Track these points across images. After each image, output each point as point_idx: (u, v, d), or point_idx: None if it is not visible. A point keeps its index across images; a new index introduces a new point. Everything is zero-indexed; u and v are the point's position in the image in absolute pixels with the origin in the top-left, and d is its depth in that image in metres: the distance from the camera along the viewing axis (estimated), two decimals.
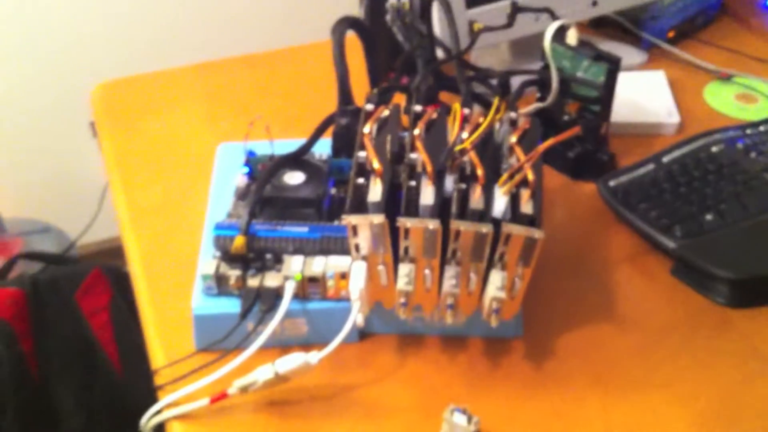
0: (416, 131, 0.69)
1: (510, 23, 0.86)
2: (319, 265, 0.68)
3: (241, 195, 0.76)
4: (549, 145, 0.65)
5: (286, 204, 0.73)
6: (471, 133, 0.68)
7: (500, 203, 0.65)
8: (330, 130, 0.79)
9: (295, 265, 0.68)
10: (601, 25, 1.12)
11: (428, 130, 0.71)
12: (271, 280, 0.68)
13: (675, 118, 0.95)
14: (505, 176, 0.66)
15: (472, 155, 0.66)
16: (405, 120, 0.73)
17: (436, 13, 0.91)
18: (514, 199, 0.66)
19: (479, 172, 0.66)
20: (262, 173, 0.72)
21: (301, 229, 0.70)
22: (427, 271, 0.65)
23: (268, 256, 0.70)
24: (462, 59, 0.82)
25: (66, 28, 1.58)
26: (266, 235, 0.69)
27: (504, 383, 0.68)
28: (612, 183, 0.84)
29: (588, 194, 0.86)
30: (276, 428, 0.65)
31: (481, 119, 0.71)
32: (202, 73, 1.07)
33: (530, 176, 0.66)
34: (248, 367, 0.65)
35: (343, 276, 0.67)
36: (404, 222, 0.62)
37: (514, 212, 0.64)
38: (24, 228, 1.63)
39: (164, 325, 0.73)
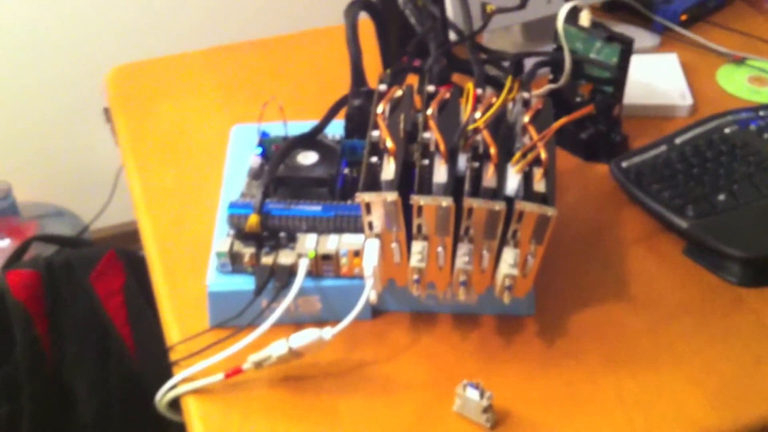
0: (429, 111, 0.69)
1: (523, 5, 0.86)
2: (332, 242, 0.69)
3: (255, 175, 0.77)
4: (562, 124, 0.66)
5: (300, 183, 0.73)
6: (484, 113, 0.68)
7: (513, 181, 0.65)
8: (343, 111, 0.80)
9: (308, 243, 0.69)
10: (613, 8, 1.12)
11: (441, 110, 0.71)
12: (285, 257, 0.68)
13: (688, 101, 0.95)
14: (518, 155, 0.66)
15: (485, 134, 0.66)
16: (418, 100, 0.74)
17: None
18: (527, 178, 0.66)
19: (492, 150, 0.66)
20: (276, 153, 0.73)
21: (315, 208, 0.70)
22: (440, 249, 0.65)
23: (282, 234, 0.70)
24: (474, 41, 0.82)
25: (79, 13, 1.59)
26: (280, 214, 0.70)
27: (516, 360, 0.69)
28: (624, 164, 0.84)
29: (600, 175, 0.87)
30: (290, 403, 0.66)
31: (493, 99, 0.71)
32: (216, 58, 1.07)
33: (543, 155, 0.66)
34: (262, 343, 0.65)
35: (357, 254, 0.68)
36: (417, 199, 0.63)
37: (527, 190, 0.65)
38: (38, 212, 1.64)
39: (179, 303, 0.74)
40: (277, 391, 0.66)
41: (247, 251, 0.68)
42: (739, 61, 1.03)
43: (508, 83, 0.68)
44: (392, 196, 0.63)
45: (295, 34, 1.12)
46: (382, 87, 0.73)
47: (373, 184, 0.66)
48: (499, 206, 0.63)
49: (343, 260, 0.68)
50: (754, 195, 0.78)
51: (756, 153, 0.82)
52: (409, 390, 0.66)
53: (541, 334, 0.71)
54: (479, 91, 0.71)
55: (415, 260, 0.64)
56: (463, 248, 0.65)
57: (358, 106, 0.79)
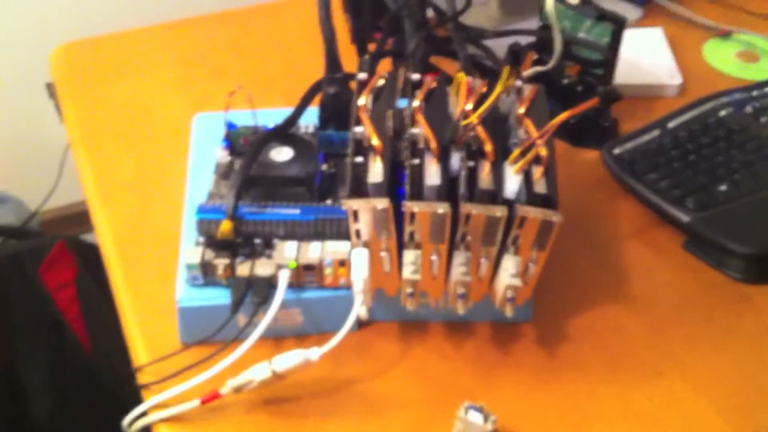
0: (416, 102, 0.63)
1: None
2: (315, 251, 0.63)
3: (223, 173, 0.70)
4: (564, 119, 0.60)
5: (274, 183, 0.67)
6: (475, 105, 0.62)
7: (513, 183, 0.60)
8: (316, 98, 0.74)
9: (288, 251, 0.63)
10: None
11: (427, 100, 0.65)
12: (263, 268, 0.62)
13: (677, 80, 0.90)
14: (516, 152, 0.61)
15: (479, 130, 0.61)
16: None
17: None
18: (526, 177, 0.61)
19: (488, 148, 0.60)
20: (248, 150, 0.66)
21: (293, 211, 0.64)
22: (434, 257, 0.59)
23: (257, 240, 0.64)
24: (458, 21, 0.75)
25: None
26: (254, 218, 0.64)
27: (515, 372, 0.64)
28: (616, 151, 0.79)
29: (590, 162, 0.82)
30: (273, 429, 0.60)
31: (484, 89, 0.65)
32: (173, 33, 0.99)
33: (543, 152, 0.60)
34: (240, 362, 0.59)
35: (342, 263, 0.62)
36: (411, 206, 0.57)
37: (528, 192, 0.59)
38: None
39: (145, 315, 0.67)
40: (259, 415, 0.60)
41: (221, 262, 0.62)
42: (726, 34, 0.98)
43: (504, 74, 0.62)
44: (383, 203, 0.57)
45: (259, 5, 1.04)
46: (362, 75, 0.67)
47: (360, 187, 0.60)
48: (500, 212, 0.57)
49: (327, 270, 0.62)
50: (756, 185, 0.74)
51: (754, 138, 0.78)
52: (403, 409, 0.61)
53: (539, 342, 0.66)
54: (469, 79, 0.65)
55: (408, 272, 0.59)
56: (459, 257, 0.60)
57: (333, 93, 0.72)
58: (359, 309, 0.59)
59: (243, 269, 0.62)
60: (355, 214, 0.58)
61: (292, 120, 0.70)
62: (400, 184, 0.61)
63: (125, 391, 0.65)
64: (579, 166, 0.82)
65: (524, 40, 0.86)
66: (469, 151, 0.61)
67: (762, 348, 0.66)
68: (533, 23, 0.85)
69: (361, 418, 0.61)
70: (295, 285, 0.63)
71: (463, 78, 0.63)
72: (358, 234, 0.59)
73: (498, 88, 0.61)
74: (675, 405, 0.62)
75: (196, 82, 0.91)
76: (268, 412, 0.60)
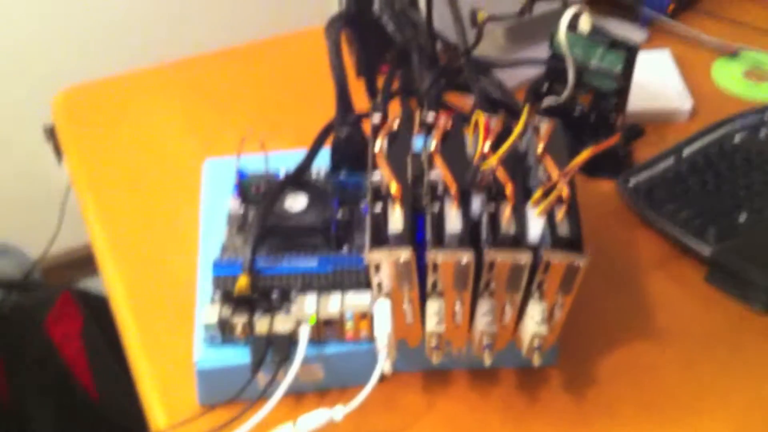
0: (433, 145, 0.62)
1: (525, 11, 0.78)
2: (334, 304, 0.61)
3: (236, 224, 0.68)
4: (587, 158, 0.59)
5: (290, 233, 0.65)
6: (493, 144, 0.61)
7: (536, 227, 0.58)
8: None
9: (308, 306, 0.61)
10: (594, 0, 1.05)
11: (443, 141, 0.64)
12: (282, 324, 0.60)
13: (688, 104, 0.88)
14: (538, 194, 0.59)
15: (499, 172, 0.59)
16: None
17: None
18: (549, 218, 0.59)
19: (509, 190, 0.59)
20: (263, 201, 0.65)
21: (310, 264, 0.62)
22: (457, 307, 0.58)
23: (275, 294, 0.62)
24: (471, 56, 0.74)
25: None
26: (271, 272, 0.62)
27: (544, 419, 0.62)
28: (632, 182, 0.78)
29: (606, 194, 0.80)
30: None
31: (500, 127, 0.64)
32: (177, 73, 0.97)
33: (565, 192, 0.59)
34: (261, 423, 0.58)
35: (363, 316, 0.60)
36: (434, 256, 0.55)
37: (552, 235, 0.58)
38: None
39: (161, 376, 0.65)
40: None
41: (239, 321, 0.60)
42: (734, 54, 0.97)
43: (524, 114, 0.60)
44: (406, 254, 0.55)
45: (264, 40, 1.02)
46: (376, 118, 0.66)
47: (380, 237, 0.58)
48: (525, 259, 0.56)
49: (349, 324, 0.61)
50: None
51: None
52: None
53: (567, 386, 0.64)
54: (485, 116, 0.64)
55: (432, 324, 0.57)
56: (483, 305, 0.58)
57: (345, 137, 0.71)
58: (383, 364, 0.58)
59: (262, 326, 0.61)
60: (377, 266, 0.56)
61: (305, 166, 0.69)
62: (419, 230, 0.59)
63: None
64: (594, 197, 0.80)
65: (532, 71, 0.85)
66: (489, 194, 0.60)
67: None
68: (540, 51, 0.84)
69: None
70: (315, 339, 0.61)
71: (480, 117, 0.62)
72: (380, 287, 0.58)
73: (518, 129, 0.60)
74: None
75: (203, 123, 0.90)
76: None
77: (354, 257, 0.63)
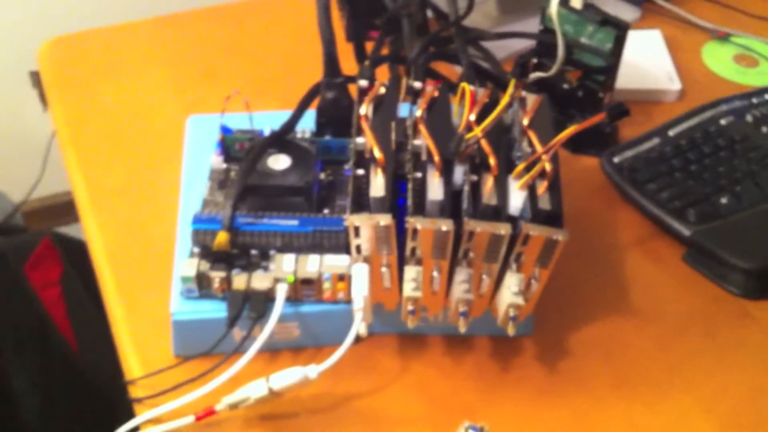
0: (418, 113, 0.62)
1: None
2: (313, 264, 0.61)
3: (218, 179, 0.68)
4: (570, 134, 0.59)
5: (272, 192, 0.65)
6: (479, 116, 0.61)
7: (517, 199, 0.58)
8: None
9: (286, 264, 0.61)
10: None
11: (429, 109, 0.64)
12: (260, 281, 0.61)
13: (676, 85, 0.89)
14: (520, 167, 0.59)
15: (484, 143, 0.59)
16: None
17: None
18: (530, 192, 0.59)
19: (492, 161, 0.59)
20: (245, 158, 0.65)
21: (291, 222, 0.63)
22: (435, 273, 0.58)
23: (254, 251, 0.62)
24: (461, 26, 0.74)
25: None
26: (251, 229, 0.62)
27: (516, 388, 0.63)
28: (616, 159, 0.78)
29: (590, 169, 0.80)
30: None
31: (487, 99, 0.64)
32: (166, 28, 0.96)
33: (548, 167, 0.59)
34: (235, 377, 0.58)
35: (341, 278, 0.61)
36: (413, 223, 0.56)
37: (533, 208, 0.58)
38: None
39: (137, 327, 0.65)
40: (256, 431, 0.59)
41: (217, 275, 0.61)
42: (724, 37, 0.97)
43: (510, 87, 0.60)
44: (385, 219, 0.56)
45: (251, 0, 1.02)
46: (363, 83, 0.66)
47: (361, 201, 0.58)
48: (504, 230, 0.56)
49: (326, 285, 0.61)
50: (759, 197, 0.73)
51: (756, 148, 0.77)
52: (403, 426, 0.60)
53: (541, 357, 0.65)
54: (472, 88, 0.64)
55: (409, 289, 0.58)
56: (461, 274, 0.58)
57: (331, 98, 0.71)
58: (359, 326, 0.58)
59: (239, 282, 0.61)
60: (356, 230, 0.57)
61: (290, 126, 0.69)
62: (400, 195, 0.59)
63: (114, 389, 0.63)
64: (578, 173, 0.81)
65: (522, 43, 0.85)
66: (472, 164, 0.60)
67: (766, 364, 0.65)
68: (532, 23, 0.84)
69: None
70: (292, 298, 0.62)
71: (467, 88, 0.62)
72: (358, 249, 0.58)
73: (503, 102, 0.60)
74: (681, 421, 0.61)
75: (189, 81, 0.89)
76: (265, 429, 0.59)
77: (335, 219, 0.63)
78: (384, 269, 0.59)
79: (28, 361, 1.06)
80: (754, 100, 0.83)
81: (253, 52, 0.94)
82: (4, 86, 1.52)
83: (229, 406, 0.58)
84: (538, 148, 0.60)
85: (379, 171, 0.59)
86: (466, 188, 0.59)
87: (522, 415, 0.61)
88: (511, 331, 0.59)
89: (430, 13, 0.86)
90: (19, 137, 1.54)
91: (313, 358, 0.61)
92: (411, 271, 0.58)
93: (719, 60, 0.95)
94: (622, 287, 0.70)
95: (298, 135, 0.71)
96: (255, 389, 0.57)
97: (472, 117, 0.61)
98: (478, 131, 0.59)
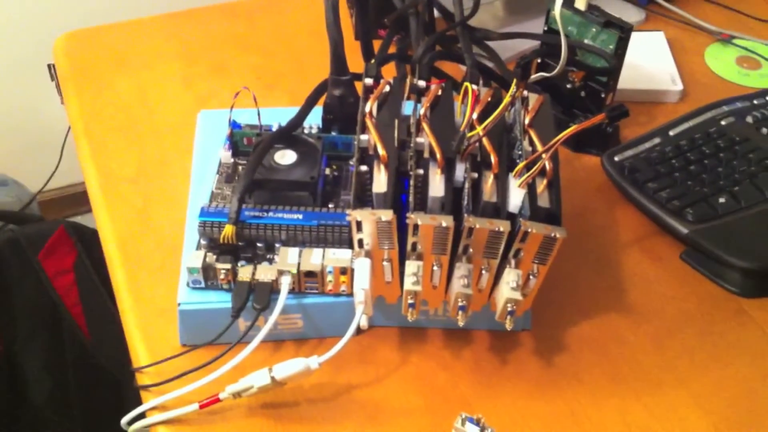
0: (421, 111, 0.63)
1: None
2: (317, 258, 0.63)
3: (226, 173, 0.70)
4: (570, 134, 0.60)
5: (278, 187, 0.67)
6: (481, 115, 0.62)
7: (517, 197, 0.60)
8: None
9: (290, 257, 0.63)
10: None
11: (433, 107, 0.65)
12: (264, 273, 0.62)
13: (678, 86, 0.90)
14: (521, 166, 0.61)
15: (485, 142, 0.61)
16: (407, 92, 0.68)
17: None
18: (530, 190, 0.61)
19: (493, 159, 0.60)
20: (252, 153, 0.66)
21: (295, 216, 0.64)
22: (435, 268, 0.60)
23: (259, 244, 0.64)
24: (466, 27, 0.75)
25: None
26: (256, 222, 0.64)
27: (513, 381, 0.64)
28: (617, 158, 0.79)
29: (591, 168, 0.82)
30: None
31: (489, 98, 0.66)
32: (178, 24, 0.98)
33: (547, 165, 0.61)
34: (240, 366, 0.60)
35: (343, 271, 0.62)
36: (414, 218, 0.57)
37: (532, 206, 0.59)
38: None
39: (145, 316, 0.67)
40: (258, 419, 0.61)
41: (223, 267, 0.62)
42: (727, 39, 0.98)
43: (512, 87, 0.62)
44: (387, 214, 0.57)
45: None
46: (369, 81, 0.67)
47: (364, 196, 0.60)
48: (503, 227, 0.58)
49: (329, 277, 0.63)
50: (757, 197, 0.74)
51: (756, 150, 0.78)
52: (401, 417, 0.62)
53: (538, 351, 0.66)
54: (474, 87, 0.65)
55: (410, 283, 0.59)
56: (461, 269, 0.60)
57: (338, 95, 0.72)
58: (360, 318, 0.60)
59: (244, 274, 0.63)
60: (359, 224, 0.58)
61: (297, 122, 0.70)
62: (403, 192, 0.61)
63: (123, 375, 0.65)
64: (580, 171, 0.82)
65: (528, 43, 0.86)
66: (473, 162, 0.62)
67: (760, 362, 0.66)
68: (538, 24, 0.85)
69: (359, 425, 0.61)
70: (296, 291, 0.63)
71: (469, 87, 0.63)
72: (360, 243, 0.59)
73: (505, 101, 0.61)
74: (674, 417, 0.62)
75: (200, 76, 0.91)
76: (267, 417, 0.61)
77: (339, 214, 0.65)
78: (385, 263, 0.60)
79: (40, 347, 1.08)
80: (756, 102, 0.84)
81: (263, 48, 0.95)
82: (23, 79, 1.54)
83: (233, 395, 0.59)
84: (539, 147, 0.61)
85: (383, 167, 0.60)
86: (467, 185, 0.60)
87: (518, 407, 0.63)
88: (509, 325, 0.60)
89: (437, 13, 0.87)
90: (38, 129, 1.57)
91: (315, 349, 0.63)
92: (412, 266, 0.59)
93: (722, 62, 0.96)
94: (620, 284, 0.72)
95: (305, 131, 0.73)
96: (258, 378, 0.59)
97: (475, 116, 0.62)
98: (479, 130, 0.60)
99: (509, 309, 0.60)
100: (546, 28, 0.82)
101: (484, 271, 0.60)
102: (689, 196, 0.74)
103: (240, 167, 0.70)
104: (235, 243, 0.63)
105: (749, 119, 0.82)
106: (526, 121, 0.64)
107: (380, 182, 0.59)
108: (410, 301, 0.60)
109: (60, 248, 1.10)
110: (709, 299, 0.71)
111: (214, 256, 0.63)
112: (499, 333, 0.67)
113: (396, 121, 0.63)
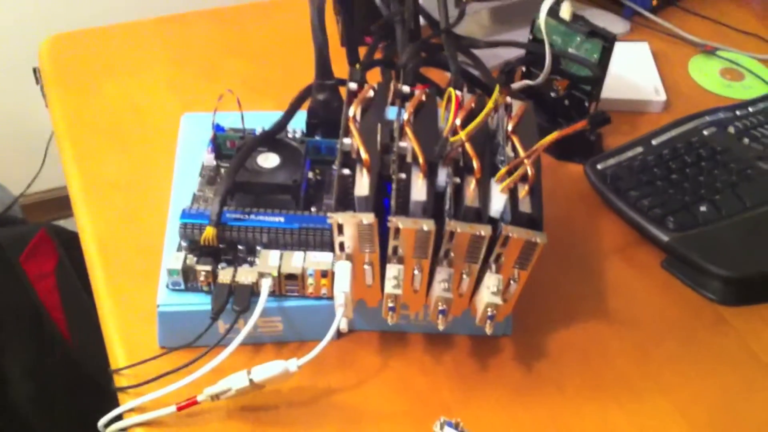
0: (405, 116, 0.63)
1: None
2: (297, 260, 0.63)
3: (208, 176, 0.70)
4: (552, 141, 0.60)
5: (260, 190, 0.67)
6: (465, 120, 0.62)
7: (498, 202, 0.60)
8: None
9: (271, 259, 0.63)
10: None
11: (417, 113, 0.65)
12: (245, 275, 0.62)
13: (662, 96, 0.91)
14: (503, 171, 0.61)
15: (468, 147, 0.61)
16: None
17: None
18: (512, 195, 0.61)
19: (475, 164, 0.61)
20: (235, 156, 0.66)
21: (277, 219, 0.64)
22: (416, 272, 0.60)
23: (240, 247, 0.64)
24: (451, 33, 0.76)
25: None
26: (238, 225, 0.64)
27: (494, 387, 0.64)
28: (600, 166, 0.80)
29: (574, 176, 0.82)
30: None
31: (473, 104, 0.66)
32: (165, 29, 0.98)
33: (529, 171, 0.61)
34: (218, 368, 0.60)
35: (324, 274, 0.62)
36: (396, 222, 0.57)
37: (513, 211, 0.60)
38: None
39: (124, 318, 0.67)
40: (236, 423, 0.60)
41: (203, 269, 0.62)
42: (711, 51, 0.99)
43: (495, 94, 0.62)
44: (368, 218, 0.57)
45: (253, 3, 1.03)
46: (353, 85, 0.67)
47: (346, 199, 0.60)
48: (484, 231, 0.58)
49: (310, 280, 0.62)
50: (737, 207, 0.74)
51: (737, 160, 0.79)
52: (380, 422, 0.61)
53: (519, 357, 0.66)
54: (458, 92, 0.66)
55: (390, 286, 0.59)
56: (441, 273, 0.60)
57: (322, 100, 0.73)
58: (340, 321, 0.59)
59: (225, 276, 0.62)
60: (340, 227, 0.58)
61: (281, 126, 0.70)
62: (385, 195, 0.61)
63: (105, 378, 0.65)
64: (563, 179, 0.82)
65: (514, 52, 0.87)
66: (456, 167, 0.62)
67: (741, 371, 0.67)
68: (523, 33, 0.86)
69: (339, 429, 0.61)
70: (276, 293, 0.63)
71: (453, 93, 0.63)
72: (341, 246, 0.59)
73: (488, 107, 0.61)
74: (655, 425, 0.62)
75: (186, 81, 0.91)
76: (245, 421, 0.61)
77: (321, 217, 0.65)
78: (366, 267, 0.60)
79: (22, 350, 1.07)
80: (738, 113, 0.85)
81: (250, 53, 0.96)
82: (8, 82, 1.54)
83: (211, 397, 0.59)
84: (521, 152, 0.61)
85: (365, 171, 0.60)
86: (449, 190, 0.60)
87: (498, 413, 0.62)
88: (489, 330, 0.60)
89: (423, 21, 0.87)
90: (21, 132, 1.56)
91: (295, 353, 0.63)
92: (393, 269, 0.59)
93: (705, 73, 0.96)
94: (602, 292, 0.72)
95: (289, 135, 0.73)
96: (236, 381, 0.59)
97: (458, 121, 0.62)
98: (462, 135, 0.61)
99: (489, 313, 0.60)
100: (531, 37, 0.83)
101: (464, 276, 0.60)
102: (671, 204, 0.75)
103: (222, 170, 0.70)
104: (216, 245, 0.63)
105: (731, 129, 0.82)
106: (509, 128, 0.65)
107: (362, 185, 0.59)
108: (390, 305, 0.60)
109: (41, 251, 1.09)
110: (690, 307, 0.71)
111: (195, 258, 0.63)
112: (480, 338, 0.67)
113: (379, 126, 0.63)
